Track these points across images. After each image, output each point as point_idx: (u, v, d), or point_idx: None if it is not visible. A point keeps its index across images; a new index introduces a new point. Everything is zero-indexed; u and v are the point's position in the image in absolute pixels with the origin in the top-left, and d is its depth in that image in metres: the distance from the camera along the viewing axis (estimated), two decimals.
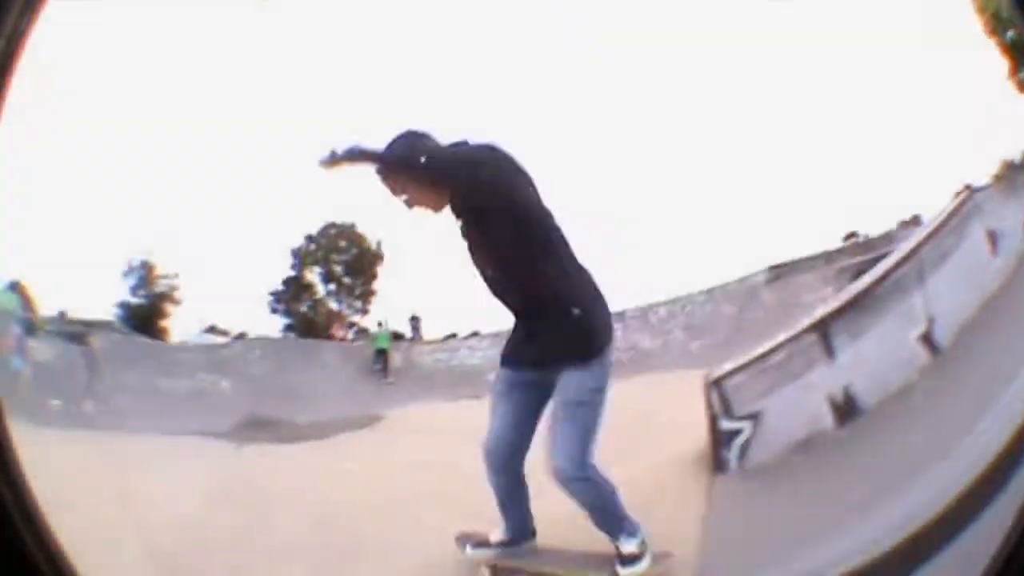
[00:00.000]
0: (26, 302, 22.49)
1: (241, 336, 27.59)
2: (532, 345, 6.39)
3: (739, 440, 8.72)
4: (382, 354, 28.16)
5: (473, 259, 6.89)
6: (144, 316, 42.85)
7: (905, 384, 8.47)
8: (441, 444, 14.96)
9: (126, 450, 15.21)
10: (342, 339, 41.82)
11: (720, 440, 8.91)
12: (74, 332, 22.55)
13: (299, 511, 10.64)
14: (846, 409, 8.52)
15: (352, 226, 49.61)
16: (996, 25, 30.67)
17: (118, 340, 23.67)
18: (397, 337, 29.48)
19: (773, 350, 8.97)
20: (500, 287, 6.46)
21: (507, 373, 6.84)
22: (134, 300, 43.80)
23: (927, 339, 8.99)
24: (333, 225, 49.52)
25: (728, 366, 9.21)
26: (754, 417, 8.70)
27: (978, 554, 2.43)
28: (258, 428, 19.27)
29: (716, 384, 9.04)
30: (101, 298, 23.52)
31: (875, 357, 8.73)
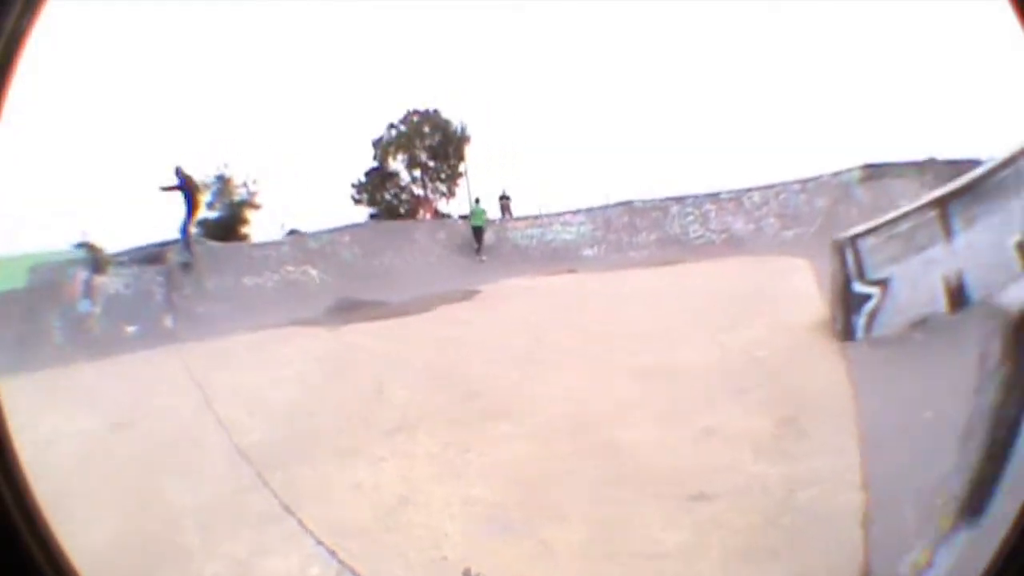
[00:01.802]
0: (92, 250, 23.40)
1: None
2: None
3: (868, 306, 8.16)
4: (478, 231, 28.05)
5: None
6: (226, 227, 43.27)
7: (1006, 287, 7.04)
8: (537, 314, 15.20)
9: (212, 352, 15.76)
10: (433, 220, 42.10)
11: (850, 305, 8.32)
12: (149, 255, 22.82)
13: (411, 378, 10.35)
14: (957, 295, 7.94)
15: (436, 112, 49.63)
16: None
17: (199, 252, 23.06)
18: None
19: (901, 217, 8.32)
20: None
21: None
22: (212, 214, 44.27)
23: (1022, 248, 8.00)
24: (416, 112, 49.56)
25: (862, 227, 8.56)
26: (883, 284, 8.14)
27: None
28: (352, 311, 19.44)
29: (851, 242, 8.38)
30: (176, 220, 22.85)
31: (984, 249, 8.00)
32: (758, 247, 22.40)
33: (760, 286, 14.54)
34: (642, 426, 6.76)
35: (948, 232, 8.16)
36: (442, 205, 52.34)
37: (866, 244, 8.39)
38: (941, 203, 8.32)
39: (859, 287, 8.30)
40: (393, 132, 51.06)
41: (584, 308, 15.69)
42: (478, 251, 27.75)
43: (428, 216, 46.40)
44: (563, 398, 8.18)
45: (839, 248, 8.60)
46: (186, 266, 21.88)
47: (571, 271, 23.35)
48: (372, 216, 49.53)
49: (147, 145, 54.55)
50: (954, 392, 3.33)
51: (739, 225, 24.80)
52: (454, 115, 52.16)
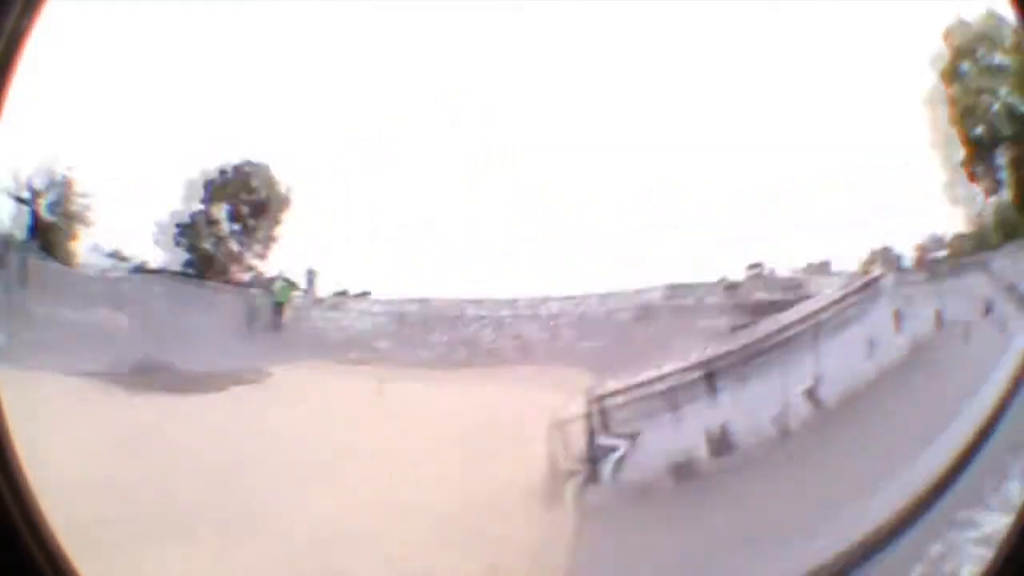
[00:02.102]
0: None
1: (141, 268, 27.34)
2: None
3: (615, 456, 8.97)
4: (279, 307, 27.86)
5: None
6: (55, 237, 39.81)
7: (783, 431, 8.98)
8: (314, 419, 15.41)
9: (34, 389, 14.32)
10: (239, 283, 40.33)
11: (597, 454, 9.21)
12: None
13: (196, 468, 10.57)
14: (721, 444, 8.95)
15: (266, 167, 47.46)
16: (965, 116, 31.16)
17: (31, 261, 22.67)
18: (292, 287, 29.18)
19: (658, 379, 9.38)
20: None
21: None
22: (48, 217, 40.67)
23: (811, 395, 9.34)
24: (249, 163, 47.30)
25: (612, 386, 9.65)
26: (632, 437, 9.00)
27: None
28: (154, 372, 18.86)
29: (598, 401, 9.49)
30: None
31: (756, 402, 9.18)
32: (550, 357, 22.77)
33: (528, 411, 13.98)
34: (366, 560, 7.46)
35: (712, 391, 9.21)
36: (256, 264, 50.06)
37: (613, 403, 9.42)
38: (708, 365, 9.47)
39: (605, 440, 9.20)
40: (223, 177, 48.66)
41: (359, 417, 16.07)
42: (277, 326, 27.52)
43: (239, 276, 44.21)
44: (306, 520, 8.78)
45: (586, 405, 9.57)
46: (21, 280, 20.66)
47: (363, 362, 23.56)
48: (188, 262, 46.85)
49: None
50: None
51: (533, 333, 25.09)
52: (282, 175, 50.11)
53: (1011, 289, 14.31)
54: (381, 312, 28.06)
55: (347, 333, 27.49)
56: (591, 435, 9.40)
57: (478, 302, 26.42)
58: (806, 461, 8.65)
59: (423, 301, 27.80)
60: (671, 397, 9.20)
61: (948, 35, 35.71)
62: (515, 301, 25.87)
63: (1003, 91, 34.81)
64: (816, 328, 9.72)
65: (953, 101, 35.27)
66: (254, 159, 47.18)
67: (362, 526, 8.37)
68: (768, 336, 9.76)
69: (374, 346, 26.32)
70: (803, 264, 42.03)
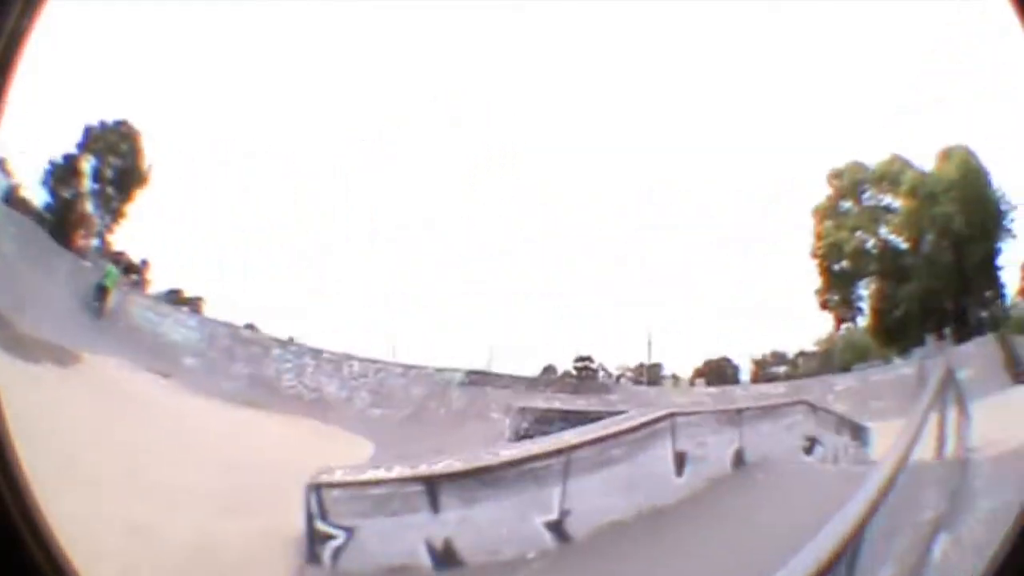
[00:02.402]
0: None
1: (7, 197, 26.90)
2: None
3: (333, 544, 8.53)
4: (103, 291, 26.18)
5: None
6: None
7: (519, 557, 8.45)
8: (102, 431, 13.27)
9: None
10: (83, 248, 37.96)
11: (315, 538, 8.69)
12: None
13: None
14: (445, 557, 8.46)
15: (140, 136, 44.50)
16: (829, 252, 32.40)
17: None
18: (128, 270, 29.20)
19: (378, 482, 8.92)
20: None
21: None
22: None
23: (556, 527, 8.82)
24: (127, 125, 44.17)
25: (334, 477, 9.04)
26: (349, 530, 8.55)
27: None
28: None
29: (316, 489, 8.81)
30: None
31: (486, 524, 8.62)
32: (343, 418, 21.61)
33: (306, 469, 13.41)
34: None
35: (435, 506, 8.61)
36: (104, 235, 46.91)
37: (332, 495, 8.75)
38: (430, 480, 8.80)
39: (323, 526, 8.63)
40: (101, 128, 45.46)
41: (140, 440, 13.83)
42: (100, 311, 25.83)
43: (84, 242, 41.36)
44: None
45: (306, 490, 8.88)
46: None
47: (166, 375, 22.01)
48: (47, 205, 43.17)
49: None
50: None
51: (333, 390, 24.13)
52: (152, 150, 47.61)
53: (841, 425, 14.77)
54: (194, 327, 27.13)
55: (159, 341, 26.39)
56: (310, 518, 8.81)
57: (283, 343, 26.36)
58: None
59: (232, 328, 27.37)
60: (389, 502, 8.77)
61: (837, 175, 37.70)
62: (320, 352, 25.55)
63: (883, 230, 36.97)
64: (567, 463, 9.10)
65: (820, 236, 37.85)
66: (135, 123, 45.05)
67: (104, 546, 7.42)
68: (507, 463, 9.22)
69: (181, 361, 25.34)
70: (634, 364, 43.36)
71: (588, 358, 50.81)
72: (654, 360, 47.68)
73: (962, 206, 34.04)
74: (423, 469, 9.15)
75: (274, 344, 26.04)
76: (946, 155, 34.90)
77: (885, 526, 5.73)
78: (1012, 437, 11.89)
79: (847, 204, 37.68)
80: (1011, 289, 41.04)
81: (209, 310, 29.64)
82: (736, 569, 7.34)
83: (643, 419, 9.92)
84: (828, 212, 37.67)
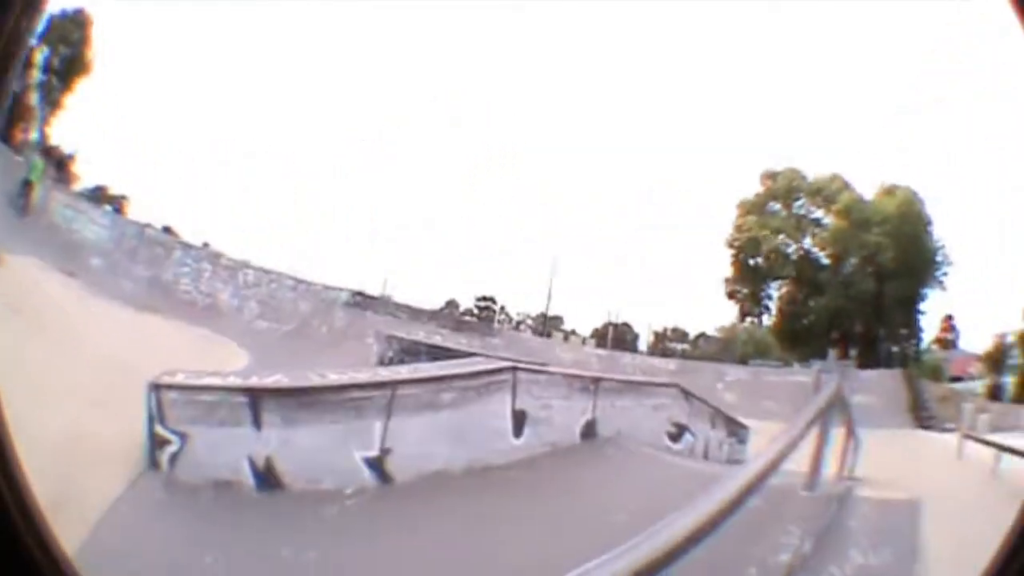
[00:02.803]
0: None
1: None
2: None
3: (170, 449, 8.02)
4: (28, 186, 25.21)
5: None
6: None
7: (338, 489, 7.84)
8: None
9: None
10: (23, 143, 36.94)
11: (154, 441, 8.21)
12: None
13: None
14: (267, 478, 7.89)
15: (90, 24, 42.52)
16: (746, 245, 32.25)
17: None
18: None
19: (207, 388, 8.32)
20: None
21: None
22: None
23: (375, 463, 8.21)
24: (81, 14, 42.05)
25: (174, 379, 8.44)
26: (183, 436, 8.02)
27: None
28: None
29: (155, 390, 8.24)
30: None
31: (307, 449, 8.06)
32: (229, 327, 20.81)
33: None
34: None
35: (257, 422, 8.01)
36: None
37: (168, 397, 8.16)
38: (253, 392, 8.21)
39: (160, 429, 8.05)
40: (60, 16, 43.35)
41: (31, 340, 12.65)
42: (24, 208, 24.81)
43: (24, 135, 40.05)
44: None
45: (147, 389, 8.32)
46: None
47: (71, 275, 20.77)
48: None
49: None
50: None
51: (225, 297, 23.35)
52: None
53: (717, 418, 13.79)
54: (105, 226, 25.95)
55: (73, 238, 25.30)
56: (150, 421, 8.22)
57: (187, 247, 25.67)
58: (357, 526, 7.53)
59: (142, 226, 26.30)
60: (216, 411, 8.11)
61: (772, 176, 37.70)
62: (218, 258, 25.05)
63: (807, 241, 37.14)
64: (392, 398, 8.35)
65: (739, 228, 37.99)
66: (90, 11, 43.16)
67: None
68: (328, 388, 8.52)
69: (88, 262, 24.20)
70: (535, 313, 43.15)
71: (491, 299, 50.78)
72: (556, 313, 47.83)
73: (894, 241, 34.20)
74: (252, 381, 8.69)
75: (177, 247, 25.15)
76: (890, 190, 35.56)
77: (721, 554, 4.65)
78: (905, 484, 11.22)
79: (776, 206, 38.09)
80: (929, 336, 42.11)
81: (133, 210, 28.86)
82: (556, 545, 6.33)
83: (479, 367, 9.02)
84: (753, 208, 38.01)
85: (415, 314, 24.87)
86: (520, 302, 58.03)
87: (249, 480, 7.85)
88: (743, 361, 35.83)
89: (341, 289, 23.69)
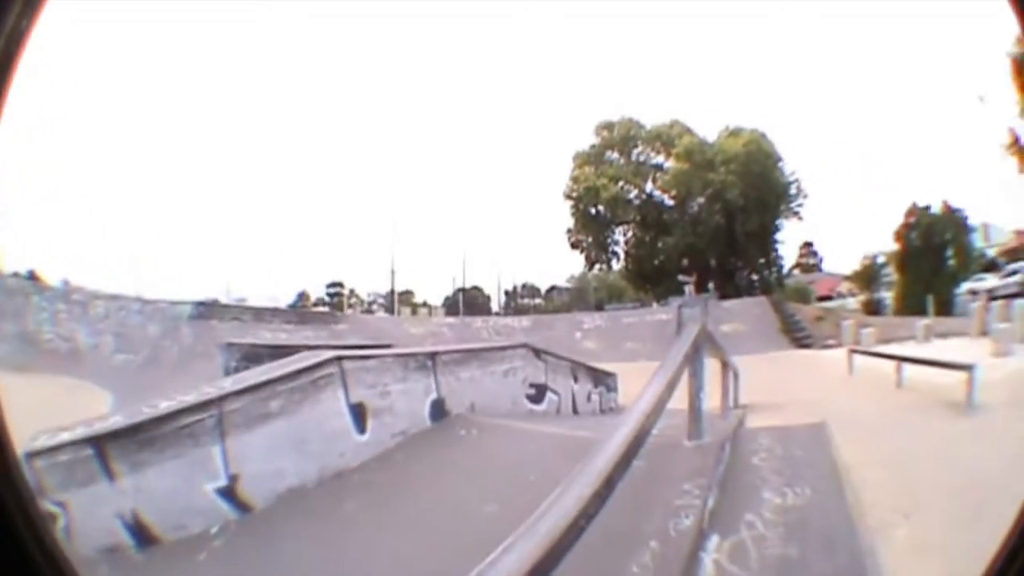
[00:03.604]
0: None
1: None
2: None
3: (60, 523, 7.05)
4: None
5: None
6: None
7: (207, 529, 7.08)
8: None
9: None
10: None
11: (43, 519, 5.40)
12: None
13: None
14: (140, 534, 7.08)
15: None
16: (585, 195, 32.79)
17: None
18: None
19: (60, 447, 7.34)
20: None
21: None
22: None
23: (227, 494, 7.40)
24: None
25: (42, 443, 7.44)
26: (63, 507, 7.11)
27: None
28: None
29: (28, 459, 7.19)
30: None
31: (162, 493, 7.24)
32: (91, 369, 19.48)
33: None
34: None
35: (110, 473, 7.13)
36: None
37: (41, 464, 7.20)
38: (97, 441, 7.28)
39: (47, 503, 7.01)
40: None
41: None
42: None
43: None
44: None
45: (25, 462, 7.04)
46: None
47: None
48: None
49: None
50: None
51: (82, 337, 21.77)
52: None
53: (577, 370, 13.29)
54: None
55: None
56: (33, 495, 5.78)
57: (41, 289, 24.30)
58: (229, 569, 6.70)
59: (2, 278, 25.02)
60: (75, 471, 7.23)
61: (607, 127, 38.15)
62: (68, 295, 23.75)
63: (648, 185, 37.81)
64: (220, 418, 7.52)
65: (576, 179, 38.50)
66: None
67: None
68: (157, 420, 7.45)
69: None
70: (385, 289, 42.76)
71: (339, 284, 50.30)
72: (406, 288, 47.47)
73: (740, 179, 35.21)
74: (93, 427, 7.68)
75: (32, 289, 23.58)
76: (734, 132, 36.87)
77: (614, 533, 4.38)
78: (800, 408, 11.04)
79: (614, 155, 38.92)
80: (790, 263, 43.54)
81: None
82: (431, 549, 5.89)
83: (299, 365, 8.15)
84: (589, 159, 38.76)
85: (258, 314, 24.11)
86: (369, 283, 57.49)
87: (128, 540, 7.13)
88: (599, 308, 36.26)
89: (184, 303, 22.74)
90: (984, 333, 18.53)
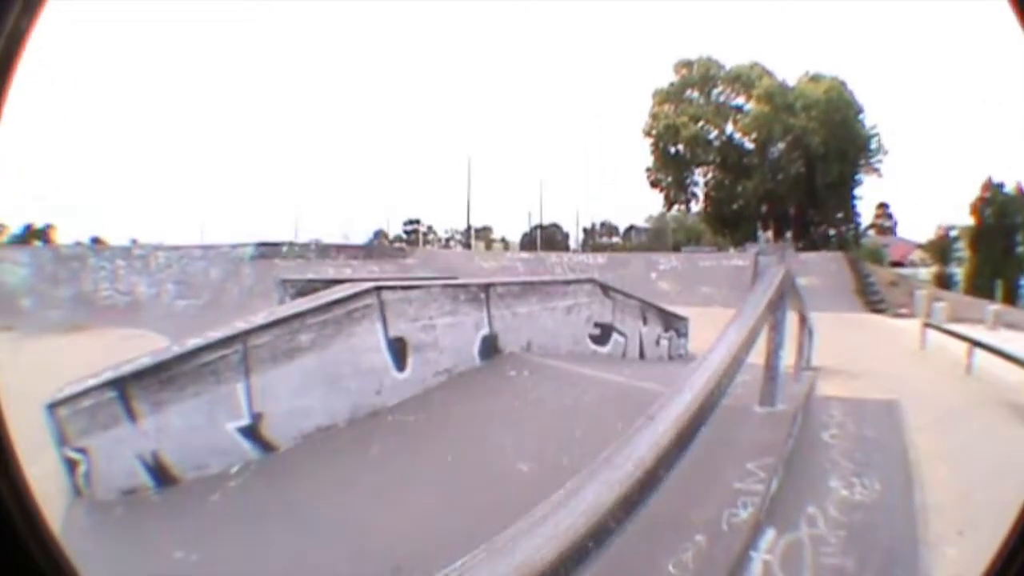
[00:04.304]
0: None
1: None
2: None
3: (81, 470, 6.90)
4: None
5: None
6: None
7: (226, 469, 6.58)
8: None
9: None
10: None
11: (69, 465, 7.10)
12: None
13: None
14: (160, 474, 6.68)
15: None
16: (665, 133, 31.35)
17: None
18: None
19: (84, 393, 6.99)
20: None
21: None
22: None
23: (250, 433, 6.86)
24: None
25: (66, 392, 7.12)
26: (84, 452, 6.84)
27: None
28: None
29: (51, 410, 7.04)
30: None
31: (183, 432, 6.74)
32: (150, 317, 19.29)
33: None
34: None
35: (131, 415, 6.74)
36: None
37: (63, 413, 7.00)
38: (119, 383, 6.84)
39: (66, 450, 6.94)
40: None
41: None
42: None
43: None
44: None
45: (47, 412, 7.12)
46: None
47: (9, 328, 19.63)
48: None
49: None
50: None
51: (143, 288, 21.75)
52: None
53: (647, 311, 11.97)
54: (25, 263, 24.53)
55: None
56: (58, 445, 7.00)
57: (100, 251, 24.57)
58: (245, 512, 6.05)
59: (53, 248, 26.63)
60: (98, 415, 6.81)
61: (686, 65, 36.34)
62: (130, 249, 23.82)
63: (728, 127, 35.98)
64: (245, 354, 6.87)
65: (656, 117, 36.78)
66: None
67: None
68: (178, 358, 6.90)
69: (19, 306, 23.14)
70: (463, 227, 41.81)
71: (416, 221, 49.84)
72: (485, 224, 46.54)
73: (822, 125, 33.28)
74: (119, 370, 7.11)
75: (89, 253, 23.75)
76: (815, 78, 34.85)
77: (656, 520, 3.43)
78: (874, 378, 10.17)
79: (694, 95, 37.09)
80: (865, 222, 41.38)
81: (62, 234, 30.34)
82: (455, 513, 5.15)
83: (332, 297, 7.24)
84: (669, 97, 37.05)
85: (324, 251, 23.64)
86: (448, 220, 57.14)
87: (148, 482, 6.75)
88: (676, 249, 34.82)
89: (246, 244, 22.31)
90: None
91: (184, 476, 6.59)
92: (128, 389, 6.74)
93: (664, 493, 2.68)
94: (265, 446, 6.74)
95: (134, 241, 25.17)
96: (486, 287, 8.53)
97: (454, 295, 8.01)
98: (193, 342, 6.97)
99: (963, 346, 11.45)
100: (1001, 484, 5.35)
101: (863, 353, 13.22)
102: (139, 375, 6.80)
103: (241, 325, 7.01)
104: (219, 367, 6.70)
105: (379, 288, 7.35)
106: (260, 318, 7.14)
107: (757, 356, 5.74)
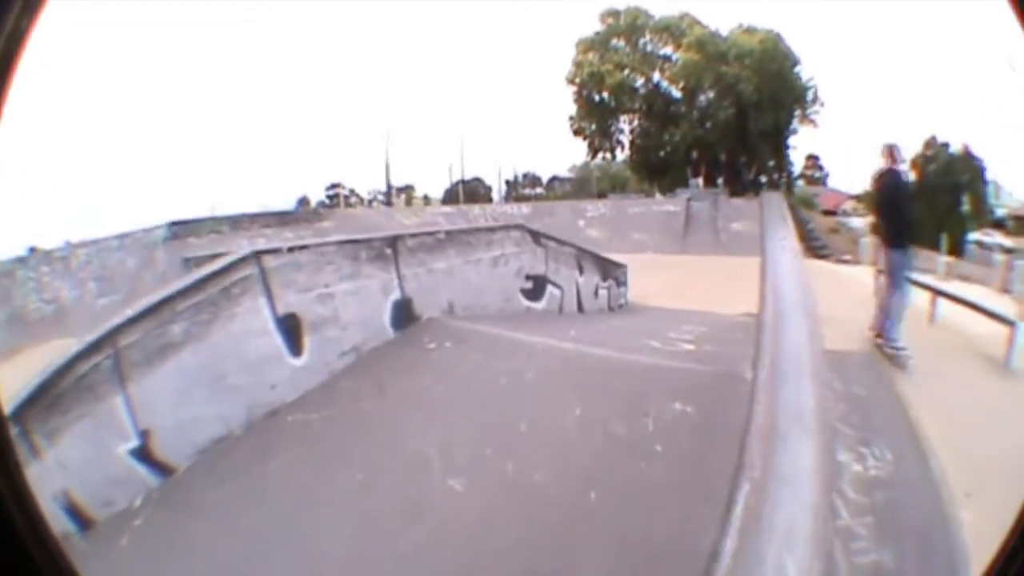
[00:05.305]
0: None
1: None
2: None
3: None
4: None
5: None
6: None
7: (131, 503, 5.45)
8: None
9: None
10: None
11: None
12: None
13: None
14: (76, 514, 5.47)
15: None
16: (589, 80, 33.46)
17: None
18: None
19: None
20: None
21: None
22: None
23: (143, 456, 5.65)
24: None
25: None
26: None
27: None
28: None
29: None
30: None
31: (80, 464, 5.53)
32: (78, 322, 17.15)
33: None
34: None
35: (33, 449, 5.53)
36: None
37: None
38: (19, 418, 5.62)
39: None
40: None
41: None
42: None
43: None
44: None
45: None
46: None
47: None
48: None
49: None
50: None
51: (66, 292, 20.18)
52: None
53: (583, 259, 11.06)
54: None
55: None
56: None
57: (22, 261, 22.35)
58: (157, 549, 4.94)
59: None
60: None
61: (612, 14, 35.28)
62: (50, 253, 21.96)
63: (656, 76, 35.17)
64: (116, 360, 5.54)
65: (579, 65, 35.80)
66: None
67: None
68: (61, 369, 5.59)
69: None
70: (383, 188, 40.87)
71: (337, 185, 48.57)
72: (408, 183, 45.59)
73: (755, 74, 32.57)
74: (18, 399, 5.76)
75: (17, 267, 21.66)
76: (749, 30, 34.01)
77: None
78: (842, 319, 9.56)
79: (619, 44, 35.97)
80: (796, 172, 41.37)
81: None
82: (388, 549, 4.21)
83: (201, 273, 5.85)
84: (593, 45, 35.81)
85: (236, 223, 22.62)
86: (370, 182, 55.75)
87: (72, 526, 5.63)
88: (601, 196, 34.14)
89: (157, 227, 21.10)
90: (1006, 290, 16.56)
91: (98, 516, 5.58)
92: (27, 421, 5.61)
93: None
94: (162, 469, 5.67)
95: (68, 244, 23.25)
96: (392, 240, 7.23)
97: (354, 254, 6.73)
98: (73, 349, 5.74)
99: (919, 294, 10.76)
100: (1001, 440, 5.00)
101: (819, 299, 12.47)
102: (31, 402, 5.65)
103: (109, 323, 5.76)
104: (94, 379, 5.59)
105: (258, 253, 6.05)
106: (129, 310, 5.83)
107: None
